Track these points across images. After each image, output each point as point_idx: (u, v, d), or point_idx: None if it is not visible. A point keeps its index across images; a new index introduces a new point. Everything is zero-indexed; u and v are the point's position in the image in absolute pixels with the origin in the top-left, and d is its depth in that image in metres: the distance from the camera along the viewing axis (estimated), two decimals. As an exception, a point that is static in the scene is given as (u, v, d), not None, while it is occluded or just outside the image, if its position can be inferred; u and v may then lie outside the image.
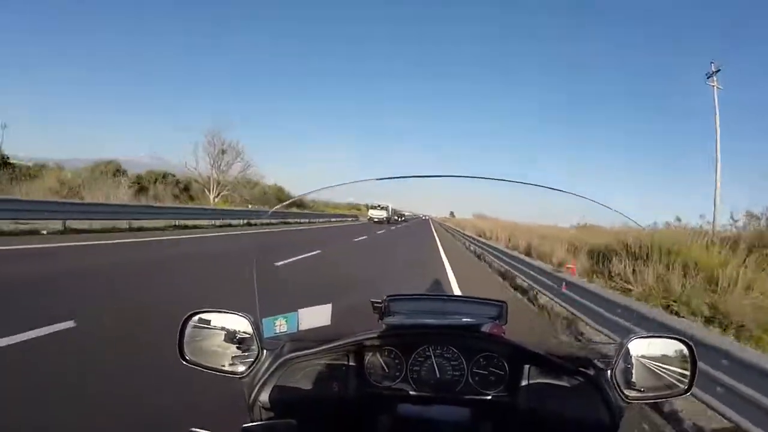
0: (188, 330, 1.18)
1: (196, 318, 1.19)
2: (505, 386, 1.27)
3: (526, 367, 1.24)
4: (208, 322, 1.19)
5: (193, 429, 0.98)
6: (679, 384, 1.14)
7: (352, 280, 7.88)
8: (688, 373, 1.13)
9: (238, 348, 1.19)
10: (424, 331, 1.33)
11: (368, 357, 1.30)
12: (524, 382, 1.23)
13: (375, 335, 1.28)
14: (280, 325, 1.34)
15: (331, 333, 1.31)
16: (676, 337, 1.19)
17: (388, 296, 1.41)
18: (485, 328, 1.34)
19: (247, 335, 1.18)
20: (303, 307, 1.37)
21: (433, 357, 1.28)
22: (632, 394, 1.13)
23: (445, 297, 1.68)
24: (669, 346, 1.17)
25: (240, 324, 1.18)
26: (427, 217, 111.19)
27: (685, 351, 1.15)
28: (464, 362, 1.28)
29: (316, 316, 1.38)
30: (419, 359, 1.28)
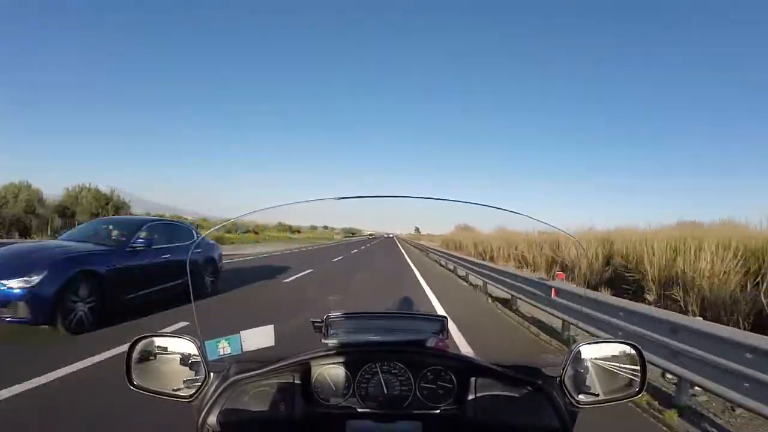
0: (135, 354, 1.18)
1: (143, 342, 1.19)
2: (454, 399, 1.28)
3: (474, 379, 1.26)
4: (154, 346, 1.20)
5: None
6: (630, 386, 1.18)
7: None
8: (638, 375, 1.17)
9: (187, 371, 1.18)
10: (368, 348, 1.34)
11: (315, 376, 1.30)
12: (472, 395, 1.25)
13: (321, 354, 1.29)
14: (224, 347, 1.34)
15: (275, 353, 1.31)
16: (624, 341, 1.23)
17: (328, 315, 1.41)
18: (430, 343, 1.35)
19: (194, 358, 1.18)
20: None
21: (380, 373, 1.30)
22: (583, 399, 1.15)
23: (386, 314, 1.70)
24: (617, 350, 1.21)
25: (186, 347, 1.18)
26: (391, 235, 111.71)
27: (634, 354, 1.19)
28: (411, 377, 1.30)
29: (259, 337, 1.38)
30: (366, 376, 1.30)
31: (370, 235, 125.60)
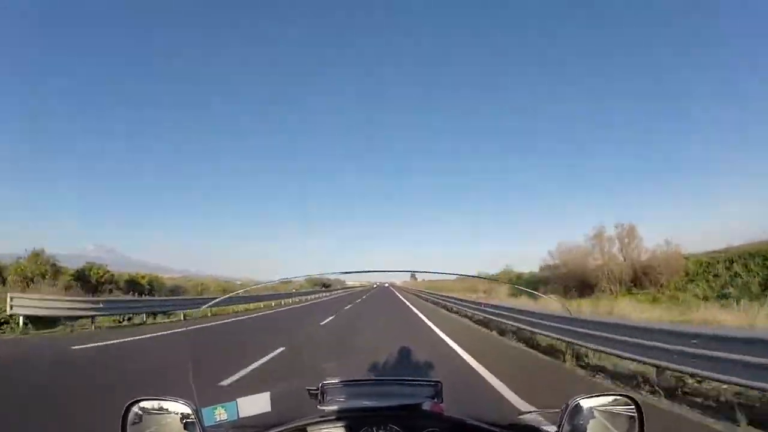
0: (131, 417, 1.18)
1: (138, 405, 1.19)
2: None
3: None
4: (150, 409, 1.20)
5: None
6: None
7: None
8: (636, 427, 1.19)
9: None
10: (364, 413, 1.35)
11: None
12: None
13: (317, 419, 1.30)
14: (220, 414, 1.34)
15: (272, 419, 1.32)
16: (621, 393, 1.28)
17: (323, 383, 1.43)
18: (425, 407, 1.37)
19: (190, 421, 1.18)
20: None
21: None
22: None
23: (381, 380, 1.72)
24: (614, 403, 1.23)
25: (182, 410, 1.19)
26: (387, 284, 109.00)
27: (631, 406, 1.21)
28: None
29: (255, 404, 1.39)
30: None
31: (352, 286, 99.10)
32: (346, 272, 1.37)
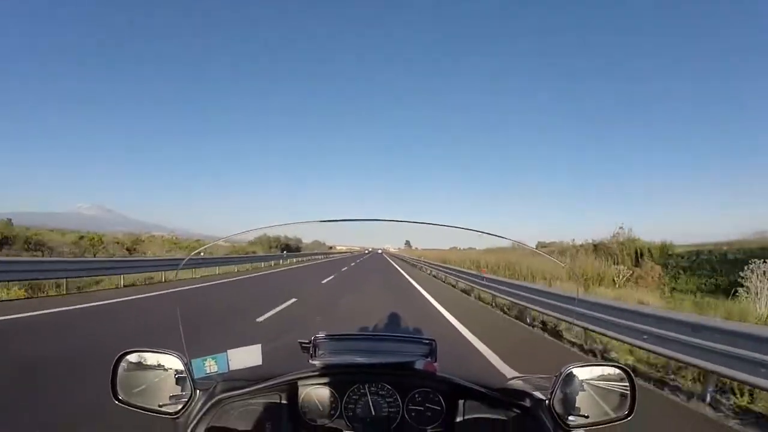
0: (121, 369, 1.20)
1: (128, 357, 1.21)
2: (441, 422, 1.32)
3: (462, 402, 1.30)
4: (140, 361, 1.22)
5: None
6: (620, 407, 1.21)
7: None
8: (628, 397, 1.21)
9: (171, 387, 1.21)
10: (356, 369, 1.36)
11: (302, 396, 1.32)
12: (460, 418, 1.29)
13: (309, 373, 1.32)
14: (210, 365, 1.35)
15: (263, 373, 1.34)
16: (614, 364, 1.27)
17: (315, 336, 1.43)
18: (418, 365, 1.38)
19: (181, 375, 1.20)
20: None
21: (368, 394, 1.33)
22: (573, 421, 1.18)
23: (375, 336, 1.72)
24: (608, 373, 1.24)
25: (172, 363, 1.21)
26: (381, 251, 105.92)
27: (624, 376, 1.23)
28: (399, 399, 1.33)
29: (246, 356, 1.40)
30: (354, 397, 1.32)
31: (347, 251, 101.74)
32: (321, 221, 1.31)
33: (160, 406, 1.19)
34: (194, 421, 1.20)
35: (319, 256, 55.00)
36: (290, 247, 51.58)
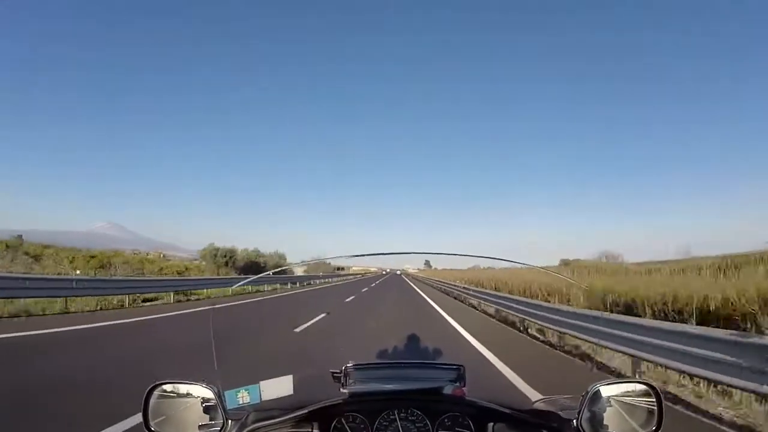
0: (153, 400, 1.22)
1: (160, 388, 1.24)
2: None
3: (491, 425, 1.32)
4: (172, 392, 1.24)
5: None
6: (647, 424, 1.22)
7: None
8: (655, 414, 1.22)
9: (204, 415, 1.23)
10: (386, 397, 1.39)
11: (333, 424, 1.35)
12: None
13: (339, 401, 1.34)
14: (243, 396, 1.39)
15: (294, 402, 1.37)
16: (640, 380, 1.29)
17: (346, 366, 1.46)
18: (447, 391, 1.40)
19: (212, 405, 1.22)
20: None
21: (398, 420, 1.35)
22: None
23: (404, 364, 1.75)
24: (634, 390, 1.26)
25: (204, 394, 1.23)
26: (400, 272, 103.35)
27: (650, 393, 1.24)
28: (429, 424, 1.35)
29: (278, 387, 1.44)
30: (384, 423, 1.35)
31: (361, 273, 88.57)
32: (342, 257, 1.36)
33: None
34: None
35: (328, 280, 49.09)
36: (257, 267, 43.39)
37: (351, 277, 71.50)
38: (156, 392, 1.24)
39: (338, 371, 1.45)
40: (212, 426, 1.22)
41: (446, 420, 1.36)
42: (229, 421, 1.24)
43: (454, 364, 1.52)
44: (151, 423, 1.21)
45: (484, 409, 1.35)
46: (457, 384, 1.44)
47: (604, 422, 1.21)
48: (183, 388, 1.24)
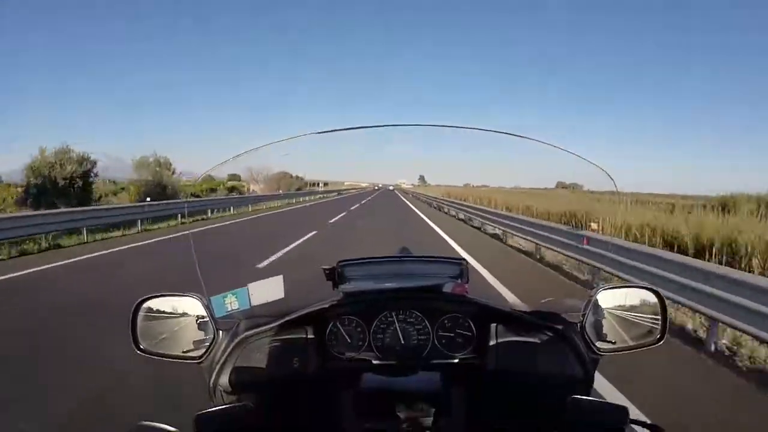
0: (140, 318, 1.19)
1: (146, 305, 1.20)
2: (473, 348, 1.31)
3: (493, 326, 1.28)
4: (159, 307, 1.21)
5: (143, 422, 0.97)
6: (651, 333, 1.20)
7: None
8: (659, 321, 1.20)
9: (193, 331, 1.20)
10: (383, 295, 1.35)
11: (328, 328, 1.32)
12: (492, 342, 1.27)
13: (333, 304, 1.30)
14: (231, 302, 1.35)
15: (286, 306, 1.33)
16: (645, 286, 1.25)
17: (339, 262, 1.41)
18: (447, 288, 1.36)
19: (201, 317, 1.19)
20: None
21: (396, 322, 1.31)
22: (604, 346, 1.18)
23: (402, 258, 1.70)
24: (638, 296, 1.23)
25: (192, 305, 1.20)
26: (392, 188, 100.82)
27: (655, 300, 1.21)
28: (429, 326, 1.31)
29: (267, 290, 1.39)
30: (382, 326, 1.31)
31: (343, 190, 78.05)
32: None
33: (183, 352, 1.19)
34: (219, 363, 1.21)
35: (306, 199, 42.17)
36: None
37: (335, 194, 60.36)
38: (142, 308, 1.20)
39: (329, 268, 1.41)
40: (203, 340, 1.19)
41: (446, 321, 1.33)
42: (220, 332, 1.22)
43: (456, 258, 1.48)
44: (141, 342, 1.18)
45: (486, 309, 1.32)
46: (459, 280, 1.40)
47: (607, 328, 1.20)
48: (169, 302, 1.21)
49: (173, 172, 27.91)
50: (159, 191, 23.58)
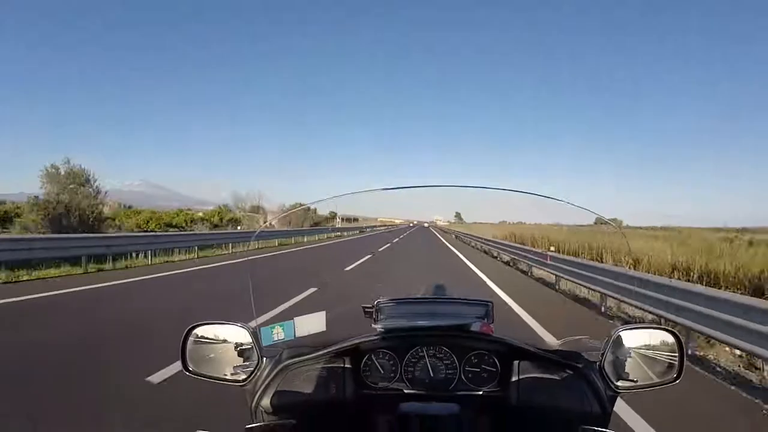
0: (190, 342, 1.31)
1: (197, 330, 1.33)
2: (497, 382, 1.42)
3: (516, 362, 1.39)
4: (209, 334, 1.33)
5: (199, 431, 1.10)
6: (668, 372, 1.26)
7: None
8: (676, 361, 1.26)
9: (238, 357, 1.31)
10: (416, 333, 1.47)
11: (364, 360, 1.45)
12: (515, 378, 1.37)
13: (370, 338, 1.43)
14: (278, 333, 1.48)
15: (327, 338, 1.46)
16: (664, 327, 1.32)
17: (378, 301, 1.53)
18: (475, 327, 1.46)
19: (247, 344, 1.31)
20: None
21: (426, 357, 1.44)
22: (622, 384, 1.25)
23: (434, 299, 1.81)
24: (657, 337, 1.30)
25: (239, 334, 1.31)
26: (427, 224, 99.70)
27: (673, 341, 1.28)
28: (456, 361, 1.44)
29: (311, 323, 1.53)
30: (413, 360, 1.44)
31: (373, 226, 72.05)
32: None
33: (228, 375, 1.30)
34: (262, 387, 1.32)
35: (340, 235, 40.26)
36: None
37: (369, 230, 56.15)
38: (192, 334, 1.32)
39: (370, 306, 1.52)
40: (248, 365, 1.30)
41: (473, 357, 1.43)
42: (264, 359, 1.32)
43: (483, 300, 1.57)
44: (190, 364, 1.30)
45: (510, 347, 1.41)
46: (485, 320, 1.50)
47: (626, 367, 1.26)
48: (219, 329, 1.32)
49: (96, 192, 20.10)
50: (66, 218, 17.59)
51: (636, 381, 1.25)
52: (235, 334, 1.31)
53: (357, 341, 1.42)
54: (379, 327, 1.45)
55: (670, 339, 1.29)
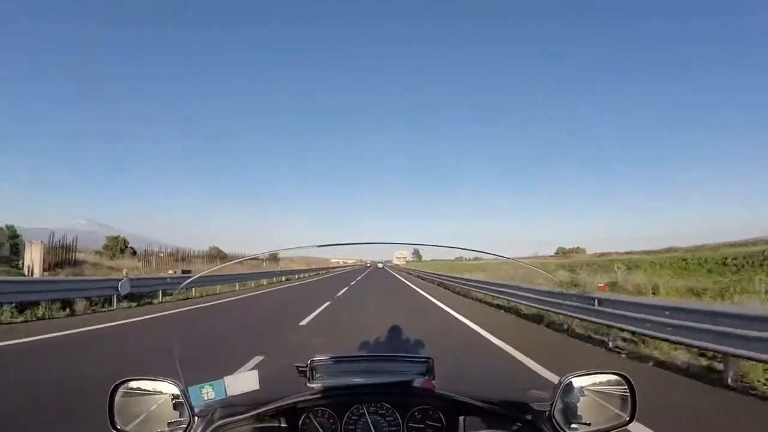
0: (118, 398, 1.23)
1: (125, 386, 1.25)
2: None
3: (462, 418, 1.35)
4: (137, 389, 1.25)
5: None
6: (621, 415, 1.25)
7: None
8: (628, 403, 1.25)
9: (170, 414, 1.24)
10: (354, 390, 1.41)
11: (302, 419, 1.37)
12: None
13: (307, 396, 1.36)
14: (207, 392, 1.39)
15: (261, 397, 1.37)
16: (613, 371, 1.31)
17: (312, 360, 1.47)
18: (416, 383, 1.42)
19: (178, 401, 1.24)
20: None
21: (367, 415, 1.38)
22: (575, 429, 1.22)
23: (371, 357, 1.77)
24: (606, 381, 1.29)
25: (170, 390, 1.24)
26: (381, 265, 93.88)
27: (623, 383, 1.28)
28: (399, 417, 1.38)
29: (243, 382, 1.44)
30: (353, 418, 1.37)
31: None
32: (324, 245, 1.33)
33: None
34: None
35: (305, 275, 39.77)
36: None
37: (311, 274, 47.81)
38: (121, 389, 1.24)
39: (304, 365, 1.46)
40: (179, 423, 1.23)
41: (417, 413, 1.38)
42: (196, 418, 1.25)
43: (423, 357, 1.54)
44: (118, 422, 1.22)
45: (454, 402, 1.37)
46: (427, 376, 1.46)
47: (578, 413, 1.25)
48: (148, 385, 1.25)
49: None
50: None
51: (589, 424, 1.24)
52: (166, 389, 1.25)
53: (294, 399, 1.35)
54: (315, 385, 1.39)
55: (619, 381, 1.28)
